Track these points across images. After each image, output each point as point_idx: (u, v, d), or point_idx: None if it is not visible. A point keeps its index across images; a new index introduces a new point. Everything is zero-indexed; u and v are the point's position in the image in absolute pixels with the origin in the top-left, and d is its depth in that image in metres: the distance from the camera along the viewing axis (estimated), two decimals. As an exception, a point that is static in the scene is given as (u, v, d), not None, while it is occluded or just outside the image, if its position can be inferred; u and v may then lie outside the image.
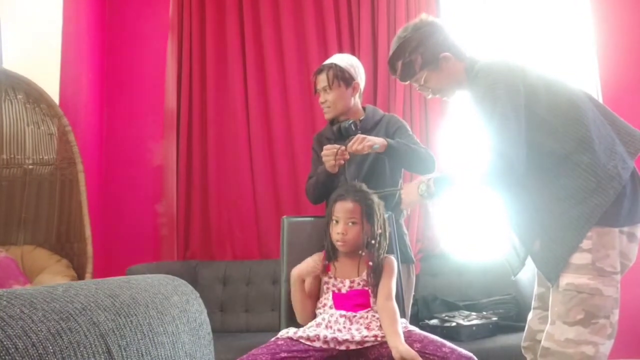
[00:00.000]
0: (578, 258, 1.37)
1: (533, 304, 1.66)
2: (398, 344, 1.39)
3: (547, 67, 1.60)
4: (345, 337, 1.45)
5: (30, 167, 2.59)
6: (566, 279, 1.39)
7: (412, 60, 1.63)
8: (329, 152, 1.87)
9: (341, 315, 1.53)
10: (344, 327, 1.49)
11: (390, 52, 1.70)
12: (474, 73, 1.56)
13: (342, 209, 1.64)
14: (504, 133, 1.40)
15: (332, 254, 1.67)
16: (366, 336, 1.46)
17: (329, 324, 1.51)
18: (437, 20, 1.70)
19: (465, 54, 1.64)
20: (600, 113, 1.49)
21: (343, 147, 1.85)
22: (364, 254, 1.65)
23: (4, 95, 2.51)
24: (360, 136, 1.84)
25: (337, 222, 1.65)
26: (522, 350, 1.65)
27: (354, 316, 1.53)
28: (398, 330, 1.45)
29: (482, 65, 1.54)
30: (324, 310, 1.59)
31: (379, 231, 1.64)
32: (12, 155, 2.57)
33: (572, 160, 1.41)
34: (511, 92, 1.44)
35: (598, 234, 1.37)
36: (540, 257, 1.46)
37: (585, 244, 1.37)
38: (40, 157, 2.61)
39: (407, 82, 1.73)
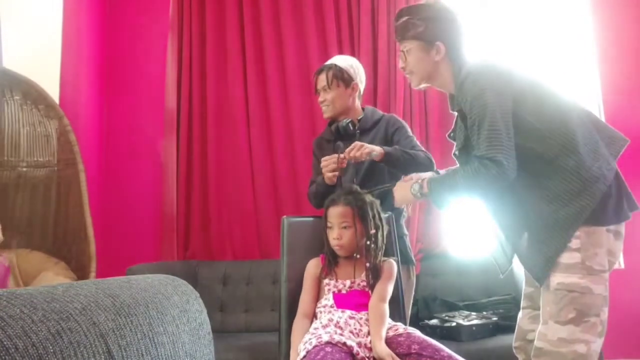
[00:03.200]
0: (568, 257, 1.39)
1: (522, 303, 1.67)
2: (376, 345, 1.45)
3: (534, 70, 1.61)
4: (361, 344, 1.47)
5: (25, 169, 2.54)
6: (557, 279, 1.41)
7: (414, 24, 1.63)
8: (328, 162, 1.87)
9: (350, 317, 1.53)
10: (355, 329, 1.51)
11: (409, 6, 1.73)
12: (461, 78, 1.55)
13: (334, 213, 1.66)
14: (494, 140, 1.41)
15: (331, 259, 1.68)
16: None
17: (338, 324, 1.50)
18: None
19: (458, 59, 1.62)
20: (585, 116, 1.51)
21: (342, 155, 1.85)
22: (358, 256, 1.64)
23: (1, 97, 2.48)
24: (358, 143, 1.84)
25: (331, 227, 1.66)
26: (514, 351, 1.66)
27: (361, 318, 1.54)
28: (382, 332, 1.49)
29: (470, 70, 1.54)
30: (324, 309, 1.59)
31: (373, 231, 1.64)
32: (6, 158, 2.52)
33: (558, 164, 1.43)
34: (499, 99, 1.44)
35: (586, 233, 1.39)
36: (529, 258, 1.48)
37: (574, 243, 1.39)
38: (35, 159, 2.56)
39: (396, 40, 1.72)
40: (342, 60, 2.11)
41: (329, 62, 2.13)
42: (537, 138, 1.44)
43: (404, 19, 1.66)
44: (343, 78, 2.05)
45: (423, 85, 1.71)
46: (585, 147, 1.43)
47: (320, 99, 2.10)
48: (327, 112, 2.10)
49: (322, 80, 2.07)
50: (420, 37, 1.63)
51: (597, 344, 1.38)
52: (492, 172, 1.40)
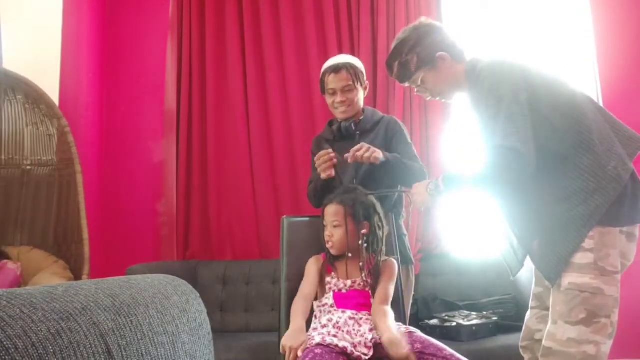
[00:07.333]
0: (580, 257, 1.38)
1: (531, 303, 1.66)
2: (385, 331, 1.43)
3: (547, 68, 1.60)
4: (360, 343, 1.46)
5: (29, 167, 2.57)
6: (568, 279, 1.39)
7: (408, 60, 1.63)
8: (321, 159, 1.86)
9: (350, 317, 1.53)
10: (353, 330, 1.50)
11: (389, 54, 1.71)
12: (475, 74, 1.55)
13: (328, 212, 1.67)
14: (512, 129, 1.38)
15: (330, 257, 1.68)
16: (373, 339, 1.47)
17: (337, 325, 1.50)
18: (435, 23, 1.70)
19: (463, 56, 1.64)
20: (601, 115, 1.49)
21: (345, 155, 1.82)
22: (350, 255, 1.64)
23: (4, 96, 2.50)
24: (365, 145, 1.81)
25: (325, 226, 1.68)
26: (520, 350, 1.65)
27: (361, 318, 1.54)
28: (388, 322, 1.47)
29: (484, 65, 1.53)
30: (324, 309, 1.59)
31: (364, 231, 1.64)
32: (11, 156, 2.55)
33: (572, 162, 1.41)
34: (515, 90, 1.43)
35: (600, 233, 1.37)
36: (540, 256, 1.47)
37: (588, 243, 1.37)
38: (39, 158, 2.59)
39: (405, 84, 1.72)
40: (354, 60, 2.05)
41: (339, 60, 2.02)
42: (552, 135, 1.43)
43: (396, 64, 1.67)
44: (362, 78, 2.02)
45: (457, 94, 1.69)
46: (601, 146, 1.41)
47: (340, 98, 1.98)
48: (346, 113, 2.01)
49: (344, 79, 1.97)
50: (421, 65, 1.63)
51: (607, 346, 1.37)
52: (509, 161, 1.36)
